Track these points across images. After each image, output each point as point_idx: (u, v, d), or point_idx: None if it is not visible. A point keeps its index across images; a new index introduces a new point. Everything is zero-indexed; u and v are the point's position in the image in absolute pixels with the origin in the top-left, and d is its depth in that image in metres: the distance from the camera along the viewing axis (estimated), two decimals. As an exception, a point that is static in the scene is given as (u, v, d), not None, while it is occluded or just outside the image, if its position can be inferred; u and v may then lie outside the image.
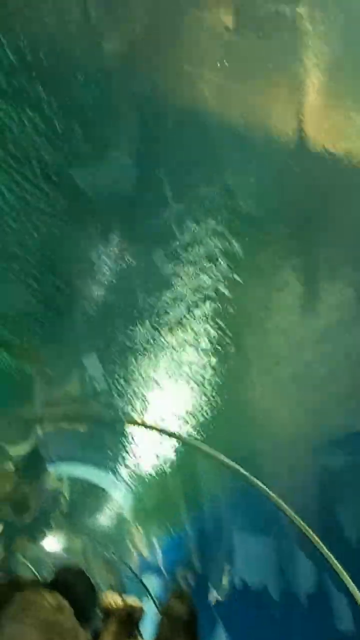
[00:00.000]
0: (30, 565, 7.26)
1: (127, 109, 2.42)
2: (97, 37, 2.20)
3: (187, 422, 4.10)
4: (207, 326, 3.33)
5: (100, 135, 2.49)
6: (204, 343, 3.45)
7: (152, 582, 6.75)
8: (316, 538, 3.49)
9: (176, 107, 2.37)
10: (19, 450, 5.52)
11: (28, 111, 2.42)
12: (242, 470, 3.72)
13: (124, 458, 5.20)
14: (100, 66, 2.28)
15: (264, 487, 3.77)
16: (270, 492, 3.74)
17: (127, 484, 5.65)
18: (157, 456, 4.83)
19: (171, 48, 2.23)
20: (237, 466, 3.71)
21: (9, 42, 2.19)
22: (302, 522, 3.54)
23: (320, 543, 3.45)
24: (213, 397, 3.83)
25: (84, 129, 2.48)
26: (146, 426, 4.19)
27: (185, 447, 4.43)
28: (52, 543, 7.22)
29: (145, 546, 6.59)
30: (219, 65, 2.23)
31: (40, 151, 2.57)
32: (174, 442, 4.44)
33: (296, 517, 3.50)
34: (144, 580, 6.86)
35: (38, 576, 6.90)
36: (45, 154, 2.58)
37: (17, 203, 2.85)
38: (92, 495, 6.25)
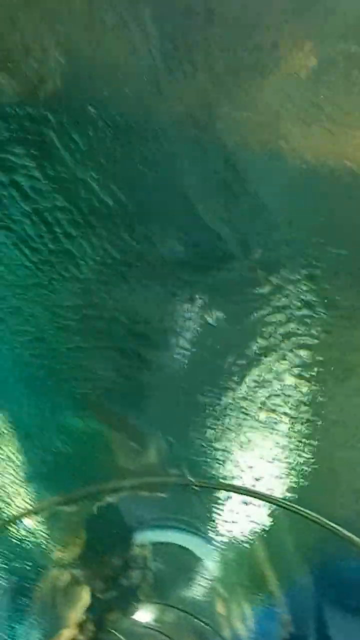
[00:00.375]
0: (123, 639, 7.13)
1: (204, 163, 2.46)
2: (170, 94, 2.26)
3: (280, 484, 4.05)
4: (297, 382, 3.32)
5: (179, 193, 2.56)
6: (295, 400, 3.44)
7: (247, 654, 6.47)
8: None
9: (258, 156, 2.38)
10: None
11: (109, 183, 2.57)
12: (343, 531, 3.61)
13: (214, 523, 5.13)
14: (174, 123, 2.35)
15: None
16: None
17: (217, 550, 5.55)
18: (250, 520, 4.75)
19: (250, 94, 2.23)
20: (338, 527, 3.61)
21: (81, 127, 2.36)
22: None
23: None
24: (306, 455, 3.78)
25: (160, 191, 2.58)
26: (236, 490, 4.16)
27: (279, 510, 4.35)
28: (143, 614, 7.09)
29: (238, 616, 6.36)
30: (301, 109, 2.22)
31: (116, 216, 2.71)
32: (266, 505, 4.37)
33: None
34: (239, 652, 6.58)
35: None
36: (121, 219, 2.69)
37: (98, 275, 2.98)
38: (181, 563, 6.15)
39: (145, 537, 6.01)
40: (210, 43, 2.13)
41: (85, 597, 6.65)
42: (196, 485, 4.42)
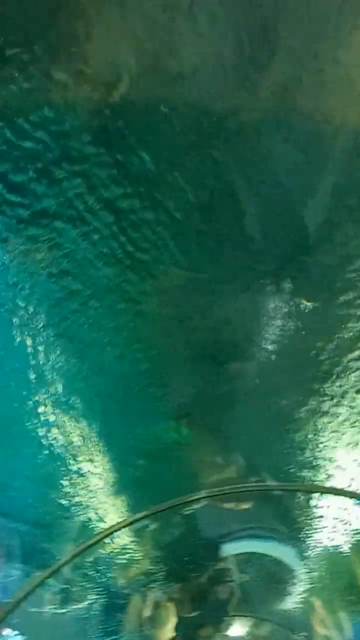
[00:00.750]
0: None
1: (289, 146, 2.41)
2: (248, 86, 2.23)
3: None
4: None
5: (270, 183, 2.54)
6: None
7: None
8: None
9: (345, 133, 2.32)
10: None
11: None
12: None
13: (307, 531, 4.99)
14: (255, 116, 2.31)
15: None
16: None
17: (311, 558, 5.38)
18: (344, 523, 4.59)
19: (332, 70, 2.17)
20: None
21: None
22: None
23: None
24: None
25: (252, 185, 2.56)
26: (334, 492, 4.04)
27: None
28: (235, 629, 6.95)
29: (336, 630, 6.12)
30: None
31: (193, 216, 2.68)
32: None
33: None
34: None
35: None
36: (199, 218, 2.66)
37: (181, 283, 2.97)
38: (272, 574, 6.00)
39: (232, 548, 5.91)
40: (285, 23, 2.11)
41: (172, 614, 6.58)
42: (284, 490, 4.32)
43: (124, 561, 5.68)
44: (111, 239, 2.75)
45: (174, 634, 6.76)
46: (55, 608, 5.51)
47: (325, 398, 3.52)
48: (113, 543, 5.23)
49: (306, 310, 3.07)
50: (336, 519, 4.59)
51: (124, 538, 5.16)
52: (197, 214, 2.72)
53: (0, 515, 4.36)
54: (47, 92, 2.23)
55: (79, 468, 4.08)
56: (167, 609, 6.61)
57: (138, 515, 4.28)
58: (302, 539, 5.15)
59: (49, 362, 3.26)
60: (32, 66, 2.13)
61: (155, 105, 2.36)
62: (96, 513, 4.54)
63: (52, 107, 2.29)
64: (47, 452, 3.83)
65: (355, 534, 4.70)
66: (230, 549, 5.92)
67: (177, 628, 6.69)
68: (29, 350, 3.13)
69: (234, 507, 5.10)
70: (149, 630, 6.67)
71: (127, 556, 5.58)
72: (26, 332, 3.04)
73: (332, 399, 3.49)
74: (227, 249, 2.87)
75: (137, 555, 5.63)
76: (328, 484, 4.11)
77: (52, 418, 3.61)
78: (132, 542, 5.27)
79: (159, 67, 2.28)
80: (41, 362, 3.24)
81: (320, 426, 3.71)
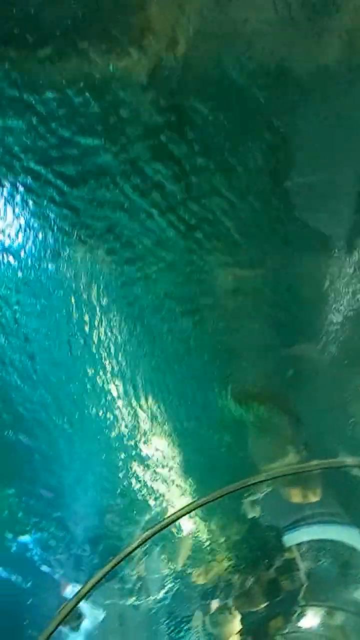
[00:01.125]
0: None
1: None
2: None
3: None
4: None
5: (335, 149, 2.46)
6: None
7: None
8: None
9: None
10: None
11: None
12: None
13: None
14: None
15: None
16: None
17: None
18: None
19: None
20: None
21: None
22: None
23: None
24: None
25: (312, 152, 2.49)
26: None
27: None
28: (307, 619, 6.79)
29: None
30: None
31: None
32: None
33: None
34: None
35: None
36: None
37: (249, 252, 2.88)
38: (344, 561, 5.82)
39: (302, 536, 5.76)
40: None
41: (236, 609, 6.49)
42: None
43: (190, 554, 5.62)
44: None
45: (241, 627, 6.67)
46: (127, 599, 5.50)
47: None
48: (179, 533, 5.17)
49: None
50: None
51: (189, 526, 5.09)
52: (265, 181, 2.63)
53: (67, 501, 4.36)
54: (109, 52, 2.19)
55: (145, 451, 4.03)
56: (230, 604, 6.52)
57: (206, 498, 4.20)
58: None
59: (116, 343, 3.23)
60: (95, 25, 2.09)
61: (218, 61, 2.30)
62: (162, 497, 4.49)
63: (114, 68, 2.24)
64: (112, 434, 3.80)
65: None
66: (299, 536, 5.77)
67: (244, 621, 6.60)
68: (99, 331, 3.10)
69: (303, 493, 4.97)
70: (214, 627, 6.62)
71: (193, 549, 5.52)
72: (92, 313, 3.02)
73: None
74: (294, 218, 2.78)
75: (204, 547, 5.56)
76: None
77: (117, 400, 3.57)
78: (198, 533, 5.20)
79: (222, 22, 2.21)
80: (107, 343, 3.21)
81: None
